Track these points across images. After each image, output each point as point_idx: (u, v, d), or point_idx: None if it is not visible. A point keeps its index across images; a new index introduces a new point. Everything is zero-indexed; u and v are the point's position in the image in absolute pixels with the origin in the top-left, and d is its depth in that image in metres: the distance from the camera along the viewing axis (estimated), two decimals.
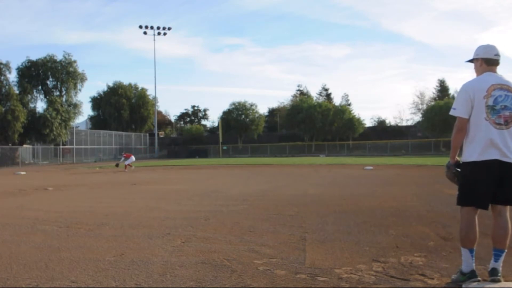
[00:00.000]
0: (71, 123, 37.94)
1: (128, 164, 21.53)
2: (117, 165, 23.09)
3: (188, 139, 56.03)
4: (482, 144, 2.84)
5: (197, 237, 4.69)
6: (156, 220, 5.85)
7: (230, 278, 3.19)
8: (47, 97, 36.51)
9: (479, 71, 3.04)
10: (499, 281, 2.80)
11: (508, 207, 2.94)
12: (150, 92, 54.51)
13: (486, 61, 2.98)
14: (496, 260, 2.85)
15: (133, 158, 22.08)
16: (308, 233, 4.83)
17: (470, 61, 3.12)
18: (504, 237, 2.86)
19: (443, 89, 57.74)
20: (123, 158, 22.25)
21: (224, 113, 54.58)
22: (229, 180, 13.86)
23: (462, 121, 2.93)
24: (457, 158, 3.14)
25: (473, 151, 2.88)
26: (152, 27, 50.41)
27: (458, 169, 3.06)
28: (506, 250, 2.89)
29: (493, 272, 2.84)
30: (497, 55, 2.97)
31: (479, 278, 2.85)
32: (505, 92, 2.85)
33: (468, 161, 2.92)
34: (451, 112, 2.99)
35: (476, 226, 2.93)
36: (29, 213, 6.72)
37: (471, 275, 2.86)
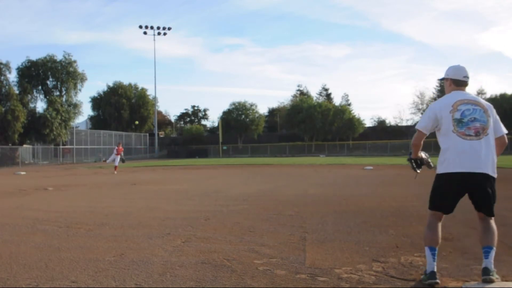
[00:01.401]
0: (71, 123, 37.95)
1: (116, 166, 19.94)
2: (123, 161, 21.00)
3: (188, 139, 56.04)
4: (452, 156, 2.95)
5: (197, 237, 4.69)
6: (156, 220, 5.85)
7: (230, 278, 3.19)
8: (47, 97, 36.53)
9: (448, 90, 3.22)
10: (491, 280, 2.78)
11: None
12: (150, 92, 54.62)
13: (454, 82, 3.15)
14: (486, 257, 2.86)
15: (118, 158, 20.10)
16: (308, 233, 4.83)
17: (442, 79, 3.25)
18: (490, 235, 2.94)
19: (443, 89, 57.33)
20: (114, 152, 20.18)
21: (224, 113, 54.60)
22: (229, 180, 13.86)
23: (420, 135, 3.19)
24: (421, 154, 3.46)
25: (444, 163, 3.00)
26: (152, 27, 50.47)
27: (419, 163, 3.50)
28: (494, 248, 2.90)
29: (485, 271, 2.83)
30: (466, 77, 3.13)
31: (437, 281, 2.89)
32: (472, 106, 2.99)
33: (440, 173, 3.03)
34: (416, 126, 3.21)
35: (437, 228, 3.07)
36: (29, 213, 6.72)
37: (430, 276, 2.91)
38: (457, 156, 2.92)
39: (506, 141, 3.05)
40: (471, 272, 3.18)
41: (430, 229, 3.08)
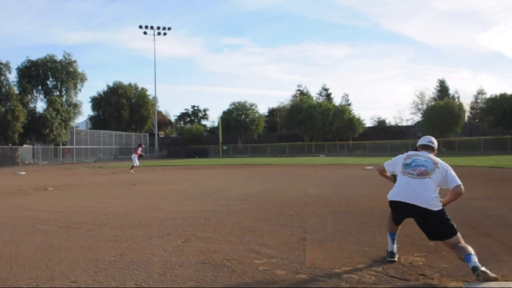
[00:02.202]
0: (71, 123, 37.93)
1: (133, 165, 20.26)
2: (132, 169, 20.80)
3: (188, 139, 56.01)
4: (396, 189, 3.61)
5: (197, 237, 4.69)
6: (156, 220, 5.85)
7: (230, 278, 3.19)
8: (47, 97, 36.50)
9: None
10: (484, 273, 2.85)
11: (454, 239, 3.27)
12: (150, 92, 54.57)
13: (422, 147, 3.88)
14: (469, 261, 3.04)
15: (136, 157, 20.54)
16: (308, 233, 4.83)
17: (416, 149, 3.94)
18: (460, 251, 3.17)
19: (443, 89, 57.76)
20: (136, 154, 20.33)
21: (224, 113, 54.57)
22: (229, 180, 13.86)
23: (381, 168, 4.03)
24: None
25: (391, 193, 3.63)
26: (152, 27, 50.41)
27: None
28: (472, 253, 3.08)
29: (475, 269, 2.94)
30: (431, 142, 3.87)
31: (395, 259, 3.63)
32: (424, 158, 3.64)
33: (389, 200, 3.65)
34: (384, 164, 4.01)
35: (392, 223, 3.73)
36: (29, 213, 6.72)
37: (389, 255, 3.67)
38: (399, 188, 3.55)
39: (462, 191, 3.40)
40: (471, 272, 3.17)
41: (390, 224, 3.77)
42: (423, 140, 3.98)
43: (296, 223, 5.44)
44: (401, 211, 3.56)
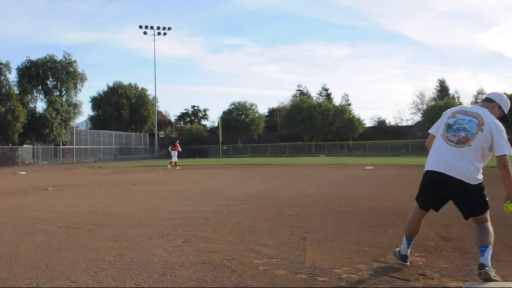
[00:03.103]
0: (71, 123, 37.94)
1: (174, 162, 21.58)
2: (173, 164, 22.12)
3: (188, 139, 56.01)
4: (432, 156, 3.26)
5: (197, 237, 4.69)
6: (156, 220, 5.85)
7: (230, 278, 3.19)
8: (47, 97, 36.51)
9: None
10: (486, 274, 2.80)
11: (482, 216, 3.12)
12: (150, 92, 54.56)
13: (486, 99, 3.35)
14: (482, 255, 2.92)
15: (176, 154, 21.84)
16: (308, 233, 4.83)
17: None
18: (483, 236, 3.03)
19: (443, 89, 57.79)
20: (175, 150, 21.85)
21: (224, 113, 54.58)
22: (229, 180, 13.86)
23: (429, 137, 3.46)
24: None
25: (427, 162, 3.30)
26: (152, 27, 50.39)
27: None
28: (490, 247, 2.96)
29: (481, 266, 2.87)
30: (490, 94, 3.35)
31: (407, 264, 3.42)
32: (469, 117, 3.15)
33: (425, 170, 3.31)
34: (429, 130, 3.50)
35: (418, 223, 3.42)
36: (29, 213, 6.72)
37: (402, 258, 3.45)
38: (436, 156, 3.20)
39: (505, 162, 2.98)
40: (471, 272, 3.18)
41: (410, 221, 3.46)
42: (496, 98, 3.31)
43: (296, 223, 5.44)
44: (435, 185, 3.17)
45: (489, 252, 2.92)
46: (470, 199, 3.09)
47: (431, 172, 3.19)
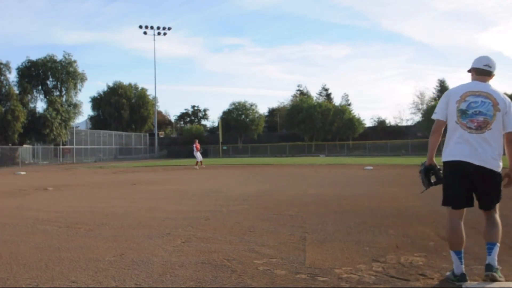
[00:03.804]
0: (71, 123, 37.94)
1: (199, 162, 22.03)
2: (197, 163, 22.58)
3: (188, 139, 56.00)
4: (452, 145, 3.00)
5: (197, 237, 4.69)
6: (156, 220, 5.85)
7: (230, 278, 3.19)
8: (47, 97, 36.51)
9: (470, 80, 3.20)
10: (493, 277, 2.78)
11: (496, 207, 3.01)
12: (150, 92, 54.56)
13: (476, 71, 3.12)
14: (489, 253, 2.87)
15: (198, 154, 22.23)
16: (308, 233, 4.83)
17: (469, 71, 3.23)
18: (494, 231, 2.93)
19: (443, 89, 57.68)
20: (195, 150, 22.38)
21: (224, 113, 54.58)
22: (229, 180, 13.86)
23: (438, 123, 3.12)
24: (434, 161, 3.24)
25: (445, 151, 3.05)
26: (152, 27, 50.38)
27: (431, 173, 3.24)
28: (498, 244, 2.91)
29: (488, 268, 2.83)
30: (487, 65, 3.07)
31: (468, 282, 2.88)
32: (481, 98, 2.95)
33: (444, 161, 3.07)
34: (432, 116, 3.17)
35: (459, 228, 3.01)
36: (29, 213, 6.72)
37: (460, 278, 2.90)
38: (457, 145, 2.96)
39: None
40: (471, 272, 3.17)
41: (451, 230, 3.04)
42: (477, 62, 3.11)
43: (296, 223, 5.44)
44: (462, 176, 2.94)
45: (496, 250, 2.88)
46: (493, 188, 2.94)
47: (455, 162, 2.94)
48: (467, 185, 2.95)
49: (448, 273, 3.09)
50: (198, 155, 22.52)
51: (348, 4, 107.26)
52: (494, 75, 3.10)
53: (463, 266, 2.96)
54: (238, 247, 4.16)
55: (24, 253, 4.05)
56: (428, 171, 3.24)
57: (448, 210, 3.07)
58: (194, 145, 22.89)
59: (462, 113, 2.96)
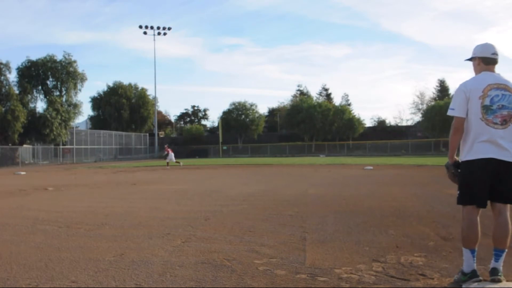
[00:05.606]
0: (71, 123, 37.96)
1: (172, 160, 23.85)
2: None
3: (188, 139, 56.02)
4: (477, 143, 2.89)
5: (197, 237, 4.69)
6: (156, 220, 5.85)
7: (230, 278, 3.19)
8: (47, 97, 36.52)
9: (477, 70, 3.09)
10: (499, 281, 2.79)
11: (508, 206, 2.94)
12: (150, 92, 54.51)
13: (483, 60, 3.02)
14: (496, 260, 2.86)
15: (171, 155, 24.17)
16: (308, 233, 4.83)
17: (469, 59, 3.15)
18: (504, 237, 2.87)
19: (443, 89, 57.73)
20: (166, 153, 24.54)
21: (224, 113, 54.58)
22: (229, 180, 13.86)
23: (459, 121, 2.98)
24: (456, 158, 3.15)
25: (469, 150, 2.94)
26: (152, 27, 50.32)
27: (458, 169, 3.09)
28: (506, 250, 2.89)
29: (494, 272, 2.83)
30: (495, 53, 3.00)
31: (480, 278, 2.83)
32: (501, 91, 2.88)
33: (465, 160, 2.97)
34: (449, 112, 3.04)
35: (477, 226, 2.93)
36: (29, 213, 6.72)
37: (472, 275, 2.85)
38: (484, 143, 2.86)
39: None
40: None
41: (469, 228, 2.92)
42: (483, 50, 3.00)
43: (296, 223, 5.44)
44: (489, 174, 2.84)
45: (503, 257, 2.85)
46: None
47: (484, 160, 2.84)
48: (489, 183, 2.88)
49: (456, 276, 2.97)
50: (172, 156, 24.60)
51: (347, 4, 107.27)
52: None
53: (475, 264, 2.89)
54: (238, 247, 4.16)
55: (24, 253, 4.05)
56: (457, 166, 3.10)
57: (467, 209, 2.95)
58: (166, 149, 25.24)
59: (487, 109, 2.86)
